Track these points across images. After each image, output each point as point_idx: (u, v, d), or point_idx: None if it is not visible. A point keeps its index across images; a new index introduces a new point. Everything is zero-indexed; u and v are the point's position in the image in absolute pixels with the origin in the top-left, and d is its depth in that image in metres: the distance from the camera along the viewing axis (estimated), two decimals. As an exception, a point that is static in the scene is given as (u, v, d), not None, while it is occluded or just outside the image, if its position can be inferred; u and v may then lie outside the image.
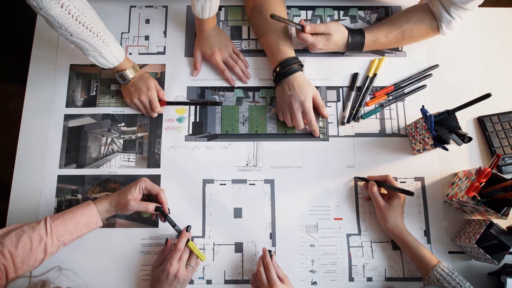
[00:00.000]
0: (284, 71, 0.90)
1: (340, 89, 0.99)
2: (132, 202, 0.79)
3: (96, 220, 0.79)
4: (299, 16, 1.04)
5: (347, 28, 0.94)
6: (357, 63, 1.00)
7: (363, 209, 0.91)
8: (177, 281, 0.78)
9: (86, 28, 0.78)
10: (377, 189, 0.86)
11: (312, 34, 0.91)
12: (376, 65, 0.99)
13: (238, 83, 0.99)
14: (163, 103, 0.94)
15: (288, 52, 0.92)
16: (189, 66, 1.00)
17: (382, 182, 0.88)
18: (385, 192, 0.89)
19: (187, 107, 0.97)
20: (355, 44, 0.93)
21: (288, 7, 1.04)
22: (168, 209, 0.85)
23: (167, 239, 0.87)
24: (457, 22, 0.91)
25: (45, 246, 0.72)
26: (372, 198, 0.87)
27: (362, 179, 0.91)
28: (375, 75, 0.99)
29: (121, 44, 1.01)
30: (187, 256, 0.81)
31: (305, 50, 1.01)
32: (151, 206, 0.81)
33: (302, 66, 0.93)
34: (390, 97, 0.98)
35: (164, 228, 0.89)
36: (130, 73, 0.90)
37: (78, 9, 0.75)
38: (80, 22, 0.76)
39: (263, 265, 0.79)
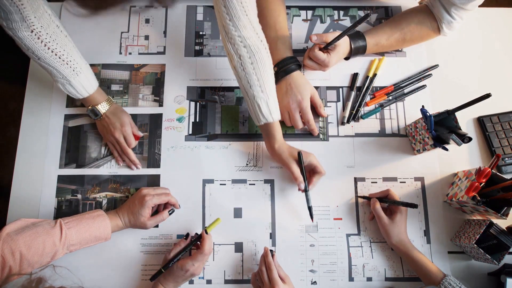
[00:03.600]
0: (281, 70, 0.90)
1: (340, 89, 0.99)
2: (149, 223, 0.83)
3: (106, 236, 0.80)
4: (299, 16, 1.04)
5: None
6: (357, 63, 1.00)
7: (362, 209, 0.91)
8: (192, 275, 0.79)
9: (56, 54, 0.77)
10: (379, 205, 0.85)
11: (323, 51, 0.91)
12: (376, 65, 0.99)
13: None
14: (136, 137, 0.93)
15: (286, 51, 0.92)
16: (189, 66, 1.00)
17: (384, 197, 0.87)
18: (385, 205, 0.88)
19: (187, 106, 0.97)
20: (357, 49, 0.93)
21: (288, 7, 1.04)
22: (179, 205, 0.89)
23: (187, 233, 0.85)
24: (457, 23, 0.91)
25: (55, 253, 0.72)
26: (375, 215, 0.86)
27: (364, 197, 0.91)
28: (375, 75, 0.99)
29: (120, 44, 1.01)
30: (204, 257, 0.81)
31: (305, 50, 1.01)
32: (165, 215, 0.85)
33: (300, 66, 0.93)
34: (390, 97, 0.98)
35: (165, 228, 0.89)
36: (102, 108, 0.88)
37: (50, 35, 0.75)
38: (49, 48, 0.76)
39: (265, 265, 0.80)
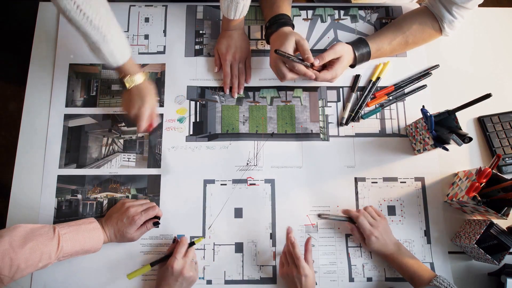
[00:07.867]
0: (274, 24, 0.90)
1: (341, 89, 0.99)
2: (136, 236, 0.84)
3: (96, 249, 0.80)
4: (299, 16, 1.04)
5: (347, 42, 0.93)
6: (360, 65, 0.99)
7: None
8: (182, 278, 0.78)
9: (87, 18, 0.73)
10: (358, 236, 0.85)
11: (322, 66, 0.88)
12: (380, 69, 0.99)
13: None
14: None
15: (279, 9, 0.92)
16: (189, 66, 1.00)
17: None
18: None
19: (187, 107, 0.97)
20: (362, 55, 0.92)
21: (288, 7, 1.03)
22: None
23: (174, 237, 0.87)
24: (459, 22, 0.91)
25: (47, 264, 0.72)
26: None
27: (321, 216, 0.89)
28: (378, 78, 0.98)
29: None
30: (193, 255, 0.83)
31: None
32: (149, 226, 0.85)
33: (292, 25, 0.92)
34: (391, 97, 0.98)
35: (165, 228, 0.89)
36: (130, 81, 0.86)
37: None
38: (81, 11, 0.72)
39: (291, 244, 0.81)
